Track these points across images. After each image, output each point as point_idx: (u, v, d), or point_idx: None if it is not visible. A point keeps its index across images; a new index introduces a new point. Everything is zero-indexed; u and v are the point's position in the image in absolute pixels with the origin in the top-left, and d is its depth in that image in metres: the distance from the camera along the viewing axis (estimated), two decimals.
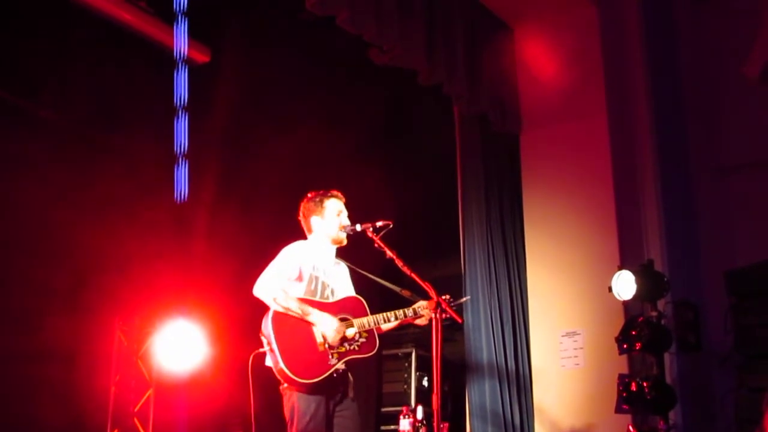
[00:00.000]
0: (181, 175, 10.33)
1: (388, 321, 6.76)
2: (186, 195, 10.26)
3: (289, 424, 6.46)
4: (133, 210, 9.39)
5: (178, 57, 10.02)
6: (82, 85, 9.51)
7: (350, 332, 6.56)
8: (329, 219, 6.89)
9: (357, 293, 7.01)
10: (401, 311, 6.77)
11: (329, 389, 6.49)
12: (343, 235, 6.88)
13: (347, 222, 6.87)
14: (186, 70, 10.12)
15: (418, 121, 11.14)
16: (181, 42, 9.97)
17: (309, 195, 7.02)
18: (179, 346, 9.78)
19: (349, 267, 7.09)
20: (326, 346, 6.45)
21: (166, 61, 10.01)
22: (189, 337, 9.81)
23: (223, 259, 9.66)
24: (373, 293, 7.06)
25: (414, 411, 8.35)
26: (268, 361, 6.49)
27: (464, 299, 8.20)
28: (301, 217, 7.03)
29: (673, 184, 9.57)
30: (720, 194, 9.68)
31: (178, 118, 10.33)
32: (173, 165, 10.33)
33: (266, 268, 6.61)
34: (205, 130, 10.18)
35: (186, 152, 10.32)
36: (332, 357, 6.44)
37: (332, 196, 6.99)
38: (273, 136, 9.82)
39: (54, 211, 8.98)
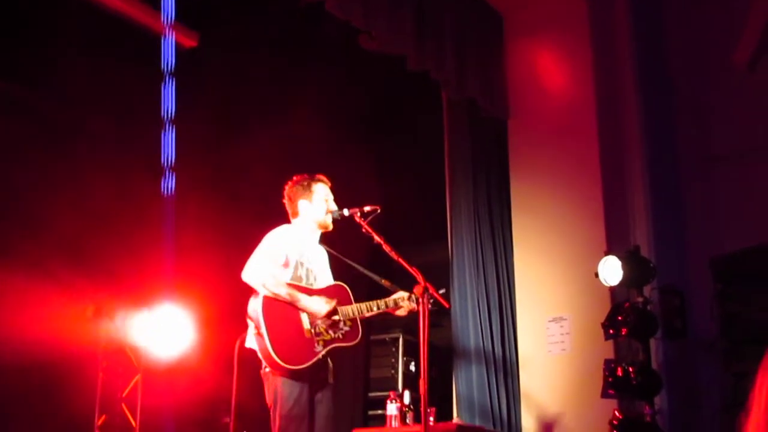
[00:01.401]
0: (168, 167, 10.35)
1: (371, 310, 6.79)
2: (173, 181, 10.26)
3: (272, 409, 6.48)
4: (121, 195, 9.38)
5: (165, 28, 10.02)
6: (66, 67, 9.48)
7: (336, 318, 6.58)
8: (317, 203, 6.89)
9: (339, 280, 7.02)
10: (383, 301, 6.81)
11: (312, 375, 6.52)
12: (329, 220, 6.88)
13: (334, 207, 6.87)
14: (173, 43, 10.12)
15: (405, 106, 11.13)
16: (168, 21, 9.97)
17: (295, 178, 7.01)
18: (166, 332, 9.79)
19: (329, 253, 7.10)
20: (312, 333, 6.47)
21: (153, 41, 10.01)
22: (176, 323, 9.81)
23: (210, 244, 9.66)
24: (355, 280, 7.07)
25: (401, 396, 8.38)
26: (251, 343, 6.50)
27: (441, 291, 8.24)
28: (286, 200, 7.02)
29: (661, 170, 9.60)
30: (707, 181, 9.69)
31: (165, 125, 10.34)
32: (159, 160, 10.36)
33: (253, 253, 6.62)
34: (193, 124, 10.18)
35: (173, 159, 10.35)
36: (318, 344, 6.46)
37: (319, 180, 6.99)
38: (260, 121, 9.82)
39: (39, 195, 8.98)
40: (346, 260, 7.00)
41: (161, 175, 10.22)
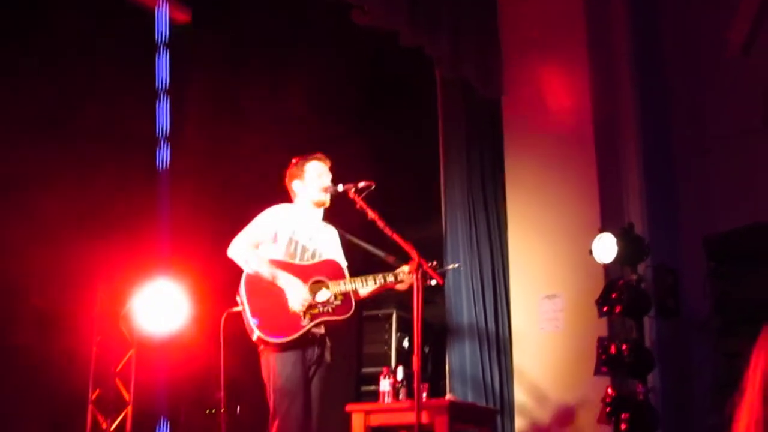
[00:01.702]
0: (163, 142, 10.33)
1: (366, 284, 6.76)
2: (168, 153, 10.25)
3: (266, 384, 6.51)
4: (115, 169, 9.37)
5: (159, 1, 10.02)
6: (59, 36, 9.46)
7: (323, 296, 6.57)
8: (309, 181, 6.89)
9: (347, 258, 7.02)
10: (380, 276, 6.76)
11: (305, 350, 6.53)
12: (324, 197, 6.87)
13: (328, 183, 6.86)
14: (167, 15, 10.12)
15: (399, 83, 11.11)
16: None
17: (293, 161, 7.02)
18: (160, 307, 9.80)
19: (338, 231, 7.10)
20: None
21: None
22: (170, 298, 9.82)
23: (205, 219, 9.66)
24: (357, 259, 7.07)
25: (394, 372, 8.38)
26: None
27: (453, 266, 8.20)
28: (287, 184, 7.03)
29: (655, 148, 9.60)
30: (701, 160, 9.69)
31: (160, 96, 10.33)
32: (154, 131, 10.34)
33: (242, 230, 6.65)
34: (187, 100, 10.18)
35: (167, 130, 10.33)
36: (304, 318, 6.46)
37: (314, 158, 6.98)
38: (255, 97, 9.81)
39: (32, 171, 8.97)
40: (353, 238, 6.99)
41: (156, 146, 10.22)
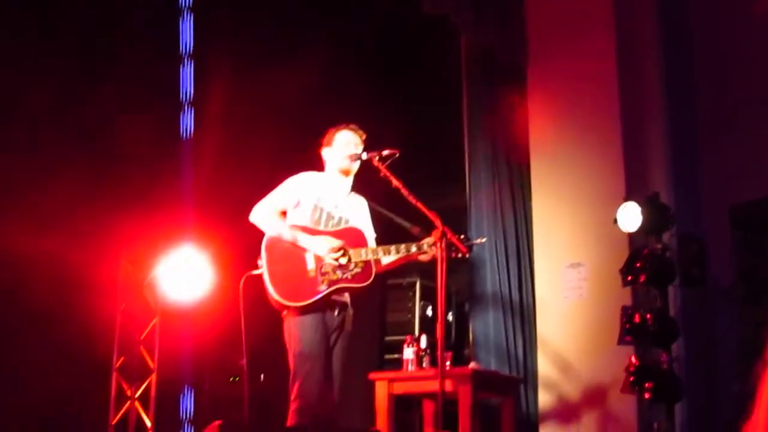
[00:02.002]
0: (186, 110, 10.34)
1: (388, 253, 6.73)
2: (192, 118, 10.26)
3: (288, 350, 6.54)
4: (138, 137, 9.38)
5: None
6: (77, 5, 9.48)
7: (343, 260, 6.56)
8: (336, 149, 6.88)
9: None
10: (403, 246, 6.70)
11: (325, 316, 6.55)
12: (348, 165, 6.84)
13: (354, 151, 6.84)
14: None
15: (423, 52, 11.06)
16: None
17: (329, 131, 7.02)
18: (184, 275, 9.82)
19: (370, 205, 7.08)
20: (317, 272, 6.47)
21: None
22: (194, 266, 9.84)
23: (228, 186, 9.67)
24: (383, 228, 7.05)
25: (418, 340, 8.39)
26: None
27: (480, 240, 8.17)
28: (319, 153, 7.05)
29: (680, 117, 9.54)
30: (727, 128, 9.63)
31: (183, 60, 10.32)
32: (178, 99, 10.33)
33: (266, 196, 6.66)
34: (210, 71, 10.18)
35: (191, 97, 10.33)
36: (322, 283, 6.46)
37: (346, 128, 6.97)
38: (277, 62, 9.79)
39: (55, 139, 8.99)
40: (378, 208, 6.99)
41: (179, 113, 10.23)
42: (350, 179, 6.95)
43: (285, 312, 6.53)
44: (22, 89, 8.76)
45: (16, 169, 8.25)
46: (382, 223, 7.01)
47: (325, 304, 6.51)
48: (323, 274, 6.48)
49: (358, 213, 6.99)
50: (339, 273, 6.53)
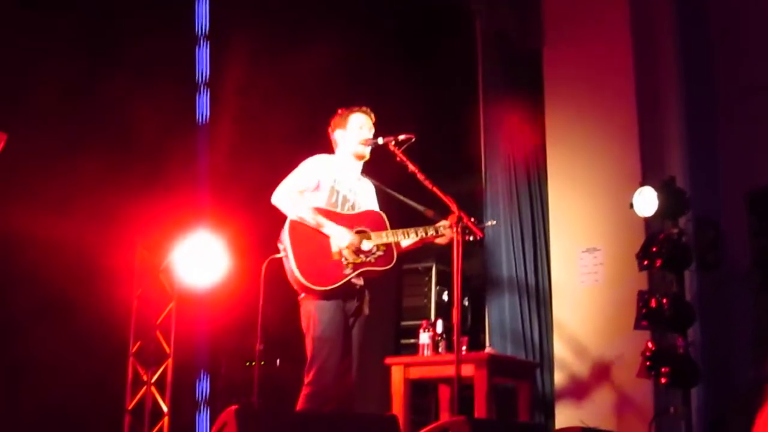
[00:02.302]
0: (203, 95, 10.35)
1: (408, 237, 6.74)
2: (207, 108, 10.27)
3: (305, 334, 6.51)
4: (153, 122, 9.38)
5: None
6: None
7: (366, 245, 6.56)
8: (350, 132, 6.85)
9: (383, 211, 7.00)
10: (422, 229, 6.72)
11: (347, 301, 6.54)
12: (363, 149, 6.84)
13: (368, 135, 6.84)
14: None
15: (439, 36, 11.05)
16: None
17: (339, 111, 7.00)
18: (200, 260, 9.83)
19: (375, 185, 7.08)
20: (341, 255, 6.46)
21: None
22: (210, 251, 9.85)
23: (244, 170, 9.68)
24: (395, 213, 7.04)
25: (434, 325, 8.39)
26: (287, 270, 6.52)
27: (490, 223, 8.15)
28: (329, 134, 7.02)
29: (697, 100, 9.49)
30: (744, 112, 9.58)
31: (199, 41, 10.32)
32: (193, 85, 10.34)
33: (285, 178, 6.63)
34: (227, 50, 10.17)
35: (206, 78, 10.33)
36: (347, 267, 6.46)
37: (359, 110, 6.94)
38: (293, 46, 9.79)
39: (70, 122, 9.00)
40: (391, 192, 6.97)
41: (195, 96, 10.23)
42: (361, 163, 6.95)
43: (303, 295, 6.52)
44: (36, 71, 8.77)
45: (30, 153, 8.24)
46: (393, 205, 7.00)
47: (345, 289, 6.50)
48: (346, 258, 6.47)
49: (367, 196, 7.00)
50: (362, 257, 6.53)
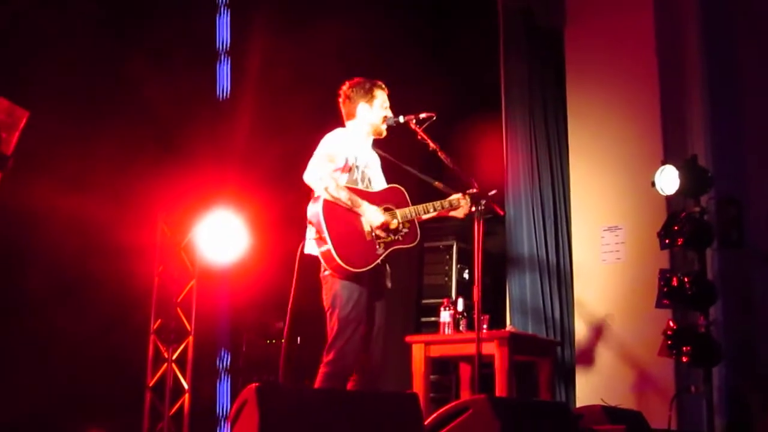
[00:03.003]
0: (223, 68, 10.34)
1: (428, 212, 6.74)
2: (228, 85, 10.27)
3: (329, 312, 6.46)
4: (174, 100, 9.39)
5: None
6: None
7: (394, 223, 6.55)
8: (376, 109, 6.81)
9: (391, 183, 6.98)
10: (439, 203, 6.74)
11: (370, 278, 6.51)
12: (384, 127, 6.83)
13: (390, 114, 6.81)
14: None
15: (460, 13, 11.02)
16: None
17: (356, 80, 6.91)
18: (221, 237, 9.85)
19: (381, 156, 7.05)
20: (373, 235, 6.45)
21: None
22: (231, 228, 9.87)
23: (264, 148, 9.68)
24: (406, 184, 7.02)
25: (454, 303, 8.39)
26: (310, 248, 6.48)
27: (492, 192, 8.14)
28: (343, 100, 6.92)
29: (719, 78, 9.44)
30: (766, 89, 9.54)
31: (220, 9, 10.30)
32: (213, 58, 10.34)
33: (314, 156, 6.54)
34: (248, 29, 10.18)
35: (227, 48, 10.31)
36: (379, 247, 6.45)
37: (381, 86, 6.91)
38: (312, 26, 9.77)
39: (91, 100, 9.01)
40: (401, 164, 6.95)
41: (217, 74, 10.23)
42: (372, 137, 6.92)
43: (327, 272, 6.50)
44: (57, 49, 8.77)
45: (52, 130, 8.25)
46: (404, 178, 6.98)
47: (373, 267, 6.49)
48: (377, 237, 6.46)
49: (377, 168, 6.98)
50: (392, 235, 6.52)
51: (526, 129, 10.05)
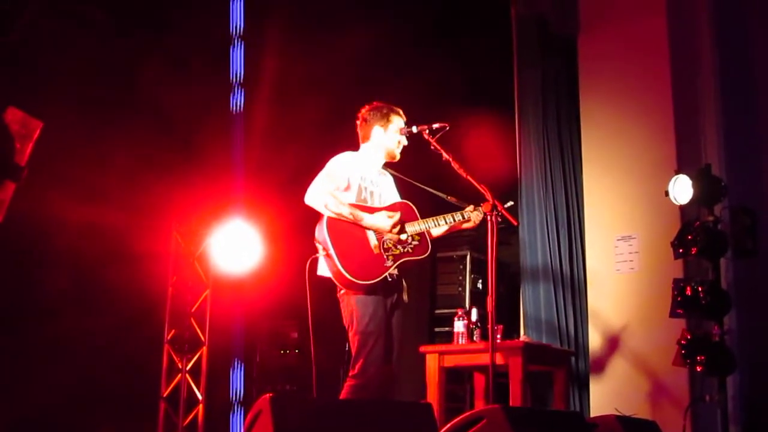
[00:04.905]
0: (237, 65, 10.36)
1: (438, 225, 6.80)
2: (243, 97, 10.28)
3: (348, 329, 6.54)
4: (188, 111, 9.41)
5: None
6: None
7: (403, 236, 6.58)
8: (391, 134, 6.88)
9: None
10: (450, 216, 6.80)
11: (386, 292, 6.55)
12: (398, 152, 6.88)
13: (405, 142, 6.86)
14: None
15: (474, 21, 11.02)
16: None
17: (375, 104, 6.99)
18: (235, 247, 9.87)
19: (393, 175, 7.08)
20: (381, 248, 6.48)
21: None
22: (245, 238, 9.88)
23: (278, 159, 9.69)
24: (421, 201, 7.04)
25: (468, 313, 8.38)
26: (322, 270, 6.52)
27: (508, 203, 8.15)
28: (360, 122, 7.01)
29: (733, 87, 9.43)
30: None
31: (234, 40, 10.33)
32: (228, 67, 10.36)
33: (316, 177, 6.62)
34: (260, 14, 10.17)
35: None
36: (388, 259, 6.48)
37: (398, 113, 6.96)
38: (325, 35, 9.78)
39: (107, 110, 9.03)
40: (412, 181, 6.97)
41: (230, 91, 10.25)
42: (385, 158, 6.97)
43: (343, 291, 6.55)
44: (73, 58, 8.79)
45: (67, 140, 8.27)
46: (419, 194, 7.00)
47: (384, 281, 6.51)
48: (386, 250, 6.50)
49: (389, 187, 7.03)
50: (400, 248, 6.55)
51: (540, 137, 10.05)
